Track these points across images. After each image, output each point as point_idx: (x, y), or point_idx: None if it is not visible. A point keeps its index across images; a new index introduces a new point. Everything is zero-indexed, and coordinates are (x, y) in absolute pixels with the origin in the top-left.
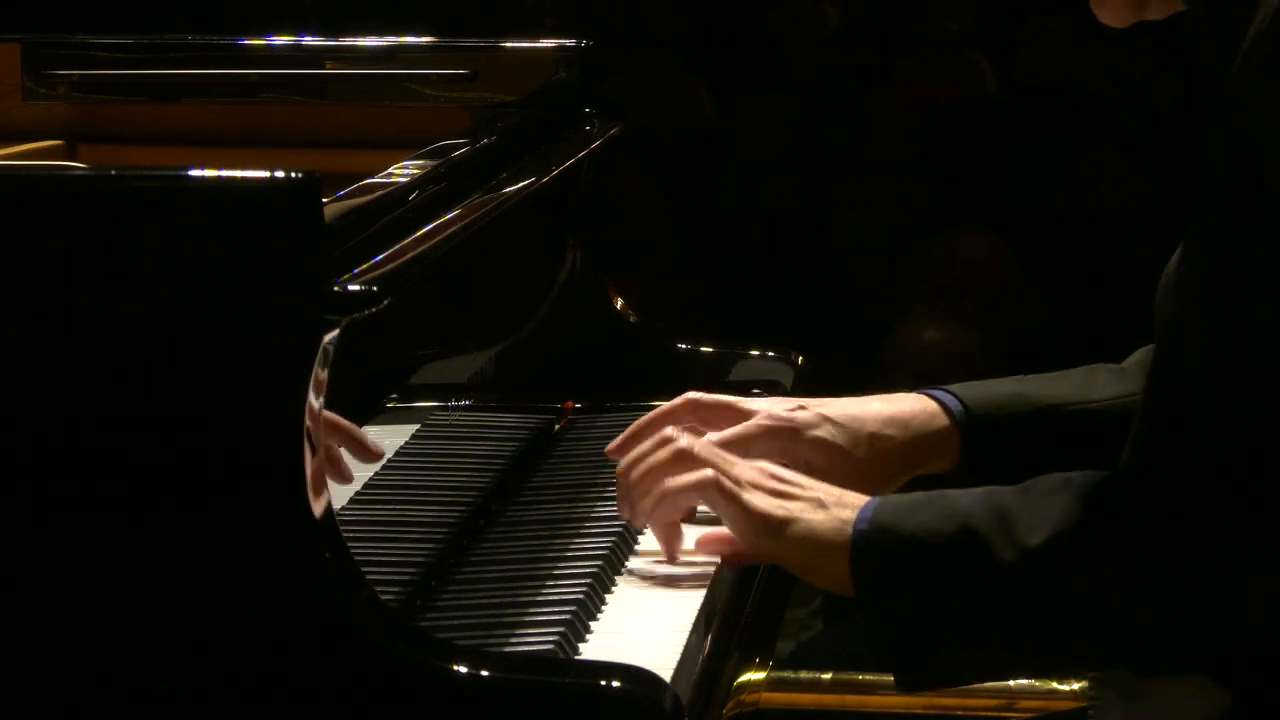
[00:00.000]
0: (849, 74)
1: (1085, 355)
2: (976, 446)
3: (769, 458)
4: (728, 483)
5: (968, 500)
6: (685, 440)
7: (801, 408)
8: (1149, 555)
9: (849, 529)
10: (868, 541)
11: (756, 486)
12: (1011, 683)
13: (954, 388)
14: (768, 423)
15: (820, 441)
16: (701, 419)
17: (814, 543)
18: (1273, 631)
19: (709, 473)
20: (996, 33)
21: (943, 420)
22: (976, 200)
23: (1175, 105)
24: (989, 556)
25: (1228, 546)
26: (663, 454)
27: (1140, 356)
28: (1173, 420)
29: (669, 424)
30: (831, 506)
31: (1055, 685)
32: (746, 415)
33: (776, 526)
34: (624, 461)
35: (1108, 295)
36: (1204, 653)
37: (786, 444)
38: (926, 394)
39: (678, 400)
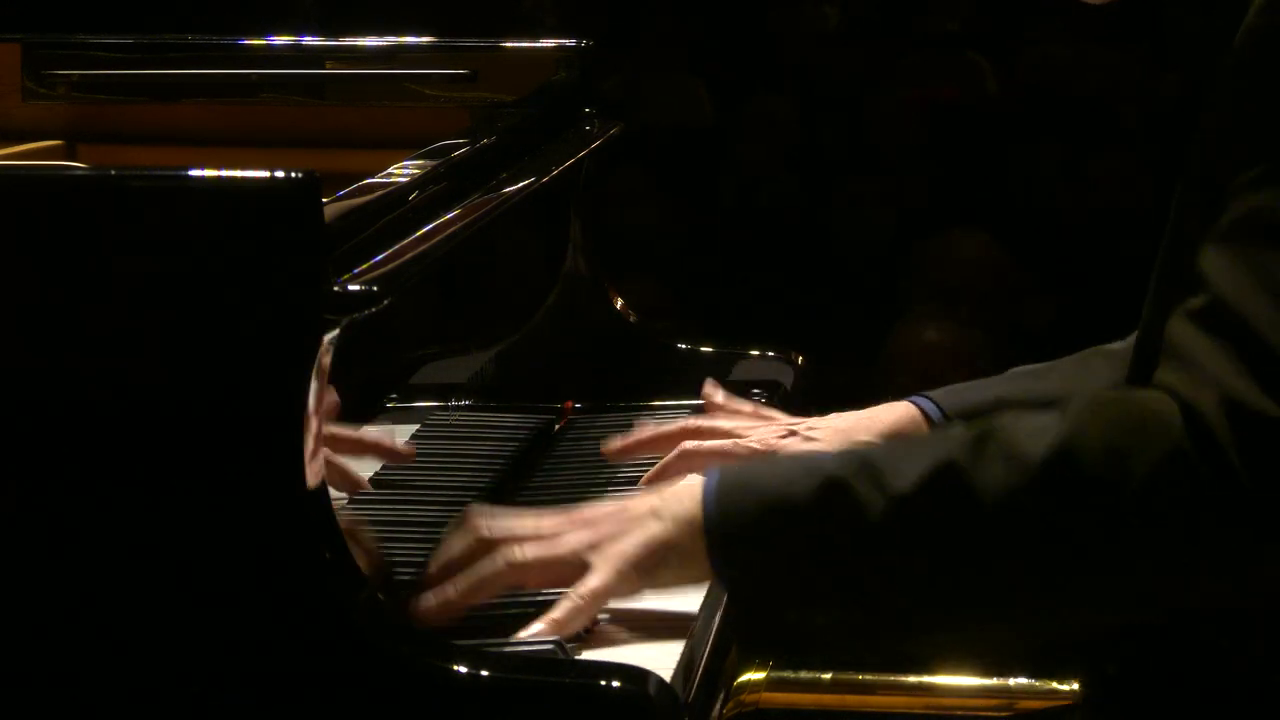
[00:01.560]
0: (849, 74)
1: None
2: None
3: None
4: (583, 591)
5: (826, 455)
6: (516, 553)
7: (792, 433)
8: (1036, 504)
9: (696, 513)
10: (720, 508)
11: (590, 550)
12: (1011, 682)
13: (938, 394)
14: (752, 453)
15: None
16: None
17: (670, 553)
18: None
19: (568, 546)
20: (996, 33)
21: (925, 429)
22: (976, 200)
23: (1175, 105)
24: (855, 505)
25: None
26: (492, 571)
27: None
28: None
29: (670, 475)
30: (665, 505)
31: (1055, 685)
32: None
33: (630, 578)
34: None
35: (1108, 295)
36: (1086, 624)
37: None
38: (912, 401)
39: (674, 429)
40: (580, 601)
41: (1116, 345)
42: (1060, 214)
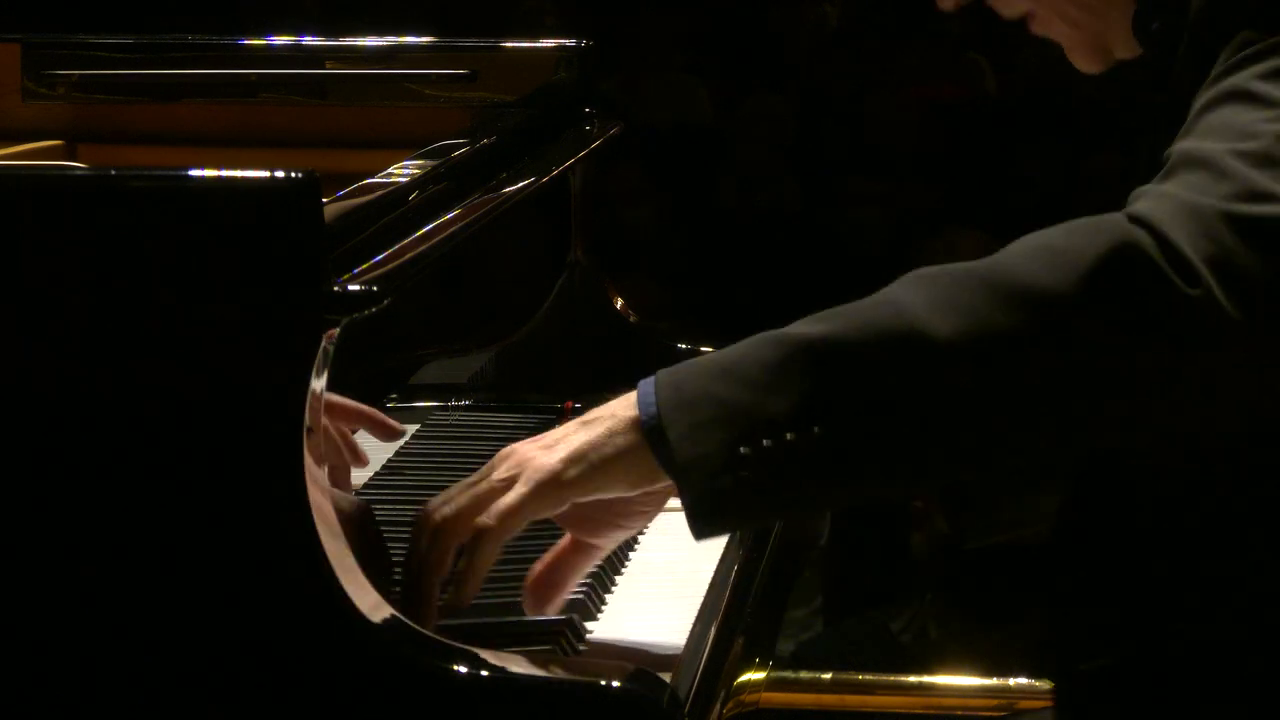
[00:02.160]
0: (849, 74)
1: None
2: None
3: None
4: (488, 514)
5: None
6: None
7: None
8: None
9: (632, 412)
10: (660, 382)
11: (516, 469)
12: (1011, 682)
13: None
14: None
15: None
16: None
17: (595, 452)
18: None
19: (516, 489)
20: (996, 33)
21: None
22: (976, 200)
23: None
24: (799, 333)
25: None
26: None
27: None
28: None
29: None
30: (595, 414)
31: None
32: None
33: (559, 472)
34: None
35: None
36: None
37: None
38: None
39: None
40: (485, 522)
41: None
42: (1060, 214)
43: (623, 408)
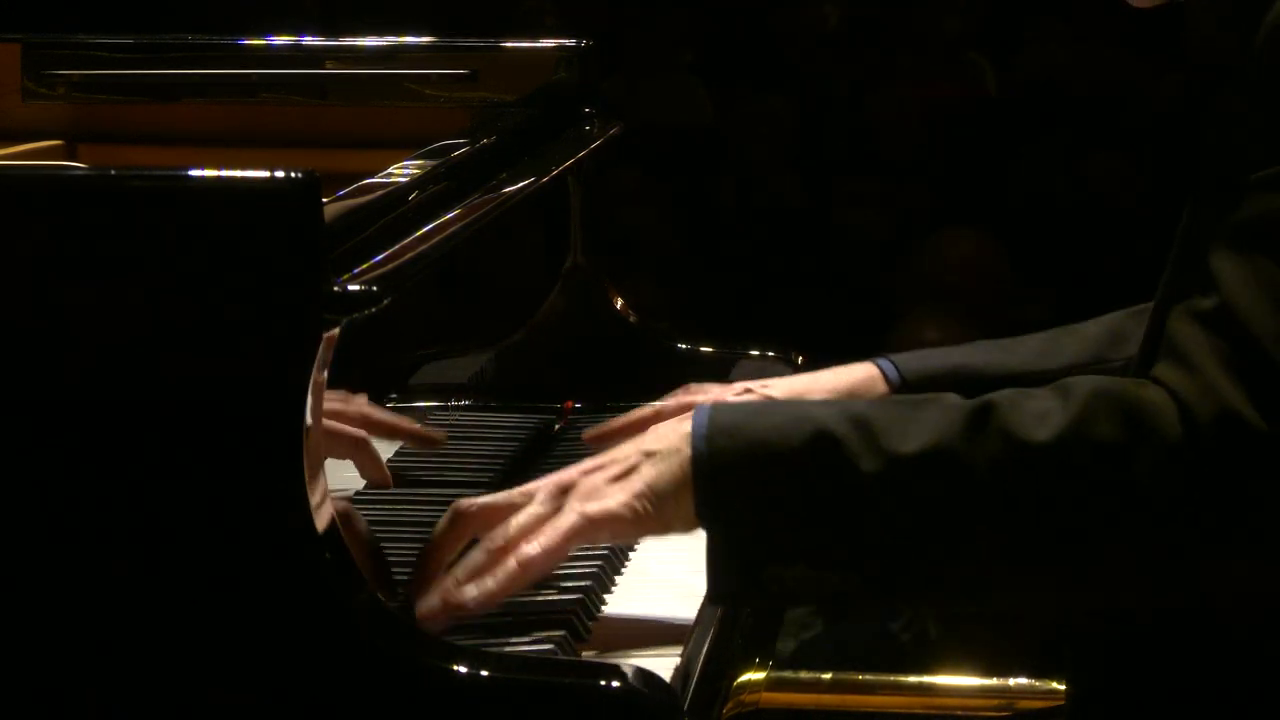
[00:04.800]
0: (849, 74)
1: None
2: None
3: None
4: (591, 508)
5: (821, 407)
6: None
7: (748, 390)
8: (1033, 487)
9: (688, 451)
10: (710, 447)
11: (589, 495)
12: (1011, 682)
13: (900, 356)
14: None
15: None
16: None
17: (668, 490)
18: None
19: (569, 519)
20: (996, 33)
21: (883, 389)
22: (976, 200)
23: (1175, 105)
24: (849, 462)
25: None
26: (507, 576)
27: (1110, 320)
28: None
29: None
30: (657, 446)
31: (1055, 685)
32: None
33: (635, 509)
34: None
35: (1108, 295)
36: (1060, 607)
37: None
38: (873, 362)
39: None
40: (585, 515)
41: (1086, 325)
42: (1060, 214)
43: (681, 462)
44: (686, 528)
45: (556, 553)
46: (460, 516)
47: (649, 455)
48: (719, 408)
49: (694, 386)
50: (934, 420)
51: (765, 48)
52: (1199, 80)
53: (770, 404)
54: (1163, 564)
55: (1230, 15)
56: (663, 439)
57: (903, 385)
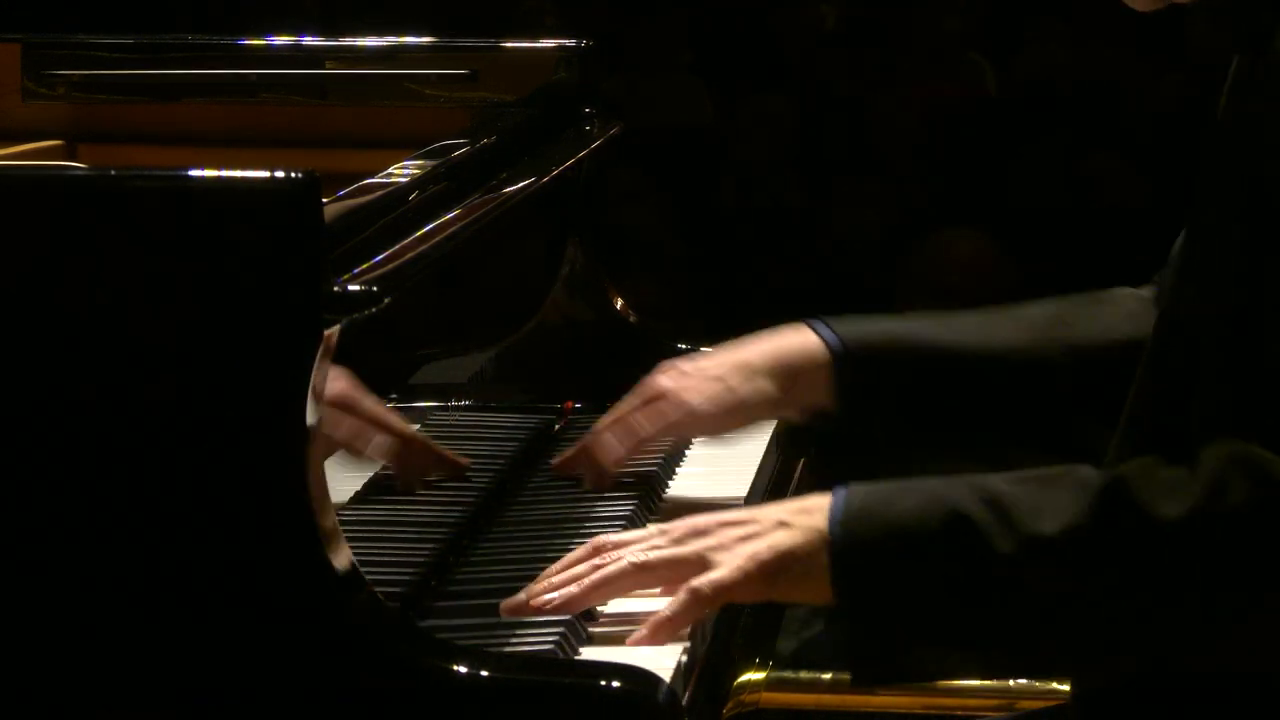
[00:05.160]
0: (849, 74)
1: None
2: (851, 388)
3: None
4: (703, 584)
5: (951, 486)
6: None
7: (684, 375)
8: (1172, 563)
9: (824, 528)
10: (846, 532)
11: (718, 550)
12: (1011, 682)
13: (835, 322)
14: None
15: (696, 402)
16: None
17: (796, 563)
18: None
19: (683, 595)
20: (996, 33)
21: (824, 361)
22: (976, 200)
23: (1175, 105)
24: (985, 544)
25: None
26: (617, 569)
27: (1054, 304)
28: (1177, 422)
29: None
30: (794, 519)
31: (1055, 685)
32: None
33: (755, 578)
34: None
35: None
36: (1196, 671)
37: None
38: (809, 325)
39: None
40: (703, 589)
41: (1026, 306)
42: (1060, 214)
43: (817, 540)
44: (808, 602)
45: (671, 566)
46: (597, 549)
47: (785, 526)
48: (855, 491)
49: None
50: (1066, 500)
51: (765, 48)
52: (1199, 80)
53: (907, 485)
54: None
55: (1230, 18)
56: (803, 513)
57: (843, 352)
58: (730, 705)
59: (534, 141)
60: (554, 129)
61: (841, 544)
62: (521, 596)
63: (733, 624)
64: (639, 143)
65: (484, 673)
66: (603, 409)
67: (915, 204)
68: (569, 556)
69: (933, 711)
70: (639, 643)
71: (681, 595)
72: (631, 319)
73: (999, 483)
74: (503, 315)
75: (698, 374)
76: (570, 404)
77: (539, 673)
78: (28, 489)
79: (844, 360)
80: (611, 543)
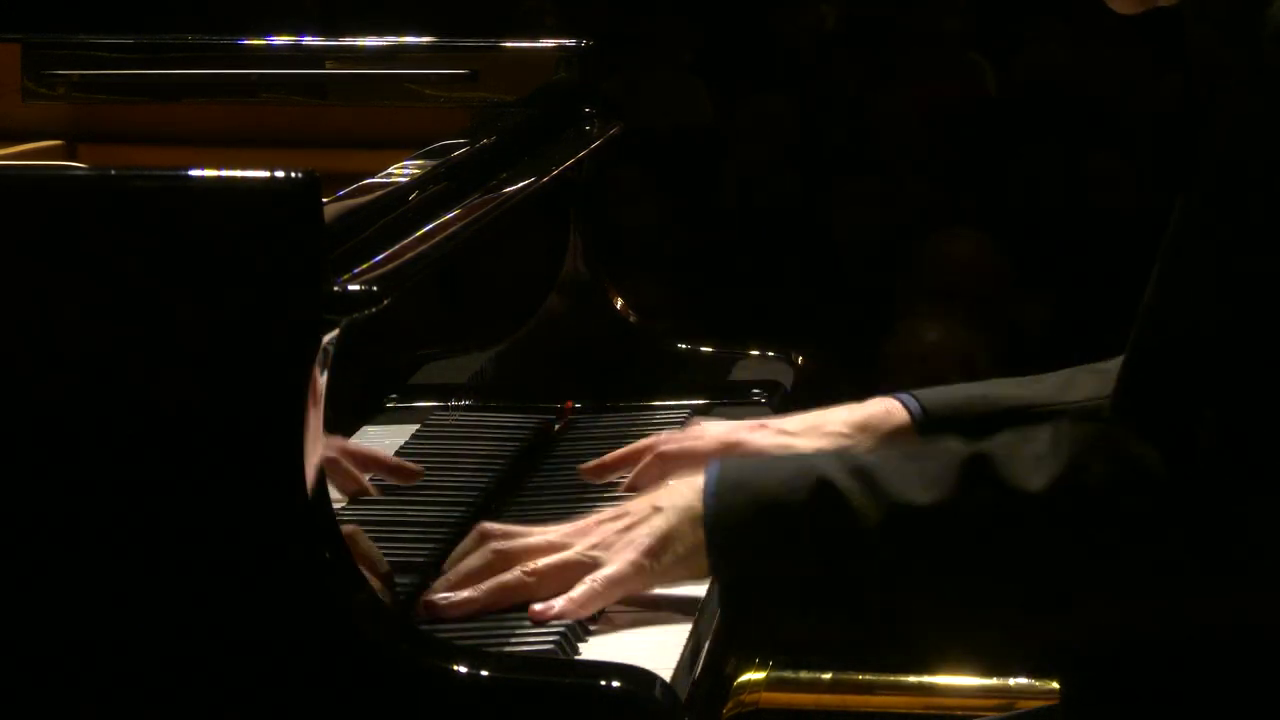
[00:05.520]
0: (849, 73)
1: (1085, 355)
2: None
3: None
4: (599, 577)
5: (822, 457)
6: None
7: (763, 426)
8: (1032, 533)
9: (697, 505)
10: (718, 504)
11: (600, 547)
12: (1011, 682)
13: (918, 391)
14: (720, 444)
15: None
16: (666, 474)
17: (676, 542)
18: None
19: (585, 585)
20: (996, 33)
21: (904, 421)
22: (976, 200)
23: (1175, 105)
24: (850, 512)
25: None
26: (510, 579)
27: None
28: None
29: (645, 479)
30: (665, 500)
31: (1055, 685)
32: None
33: (643, 566)
34: (454, 581)
35: (1107, 295)
36: (1072, 642)
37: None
38: (892, 396)
39: (645, 442)
40: (595, 585)
41: (1104, 364)
42: (1059, 214)
43: (692, 518)
44: (695, 580)
45: (561, 572)
46: (484, 534)
47: (659, 510)
48: (728, 463)
49: (700, 420)
50: (930, 468)
51: (765, 48)
52: (1199, 80)
53: (777, 458)
54: (1158, 602)
55: (1225, 19)
56: (675, 494)
57: (926, 419)
58: (730, 705)
59: (534, 141)
60: (554, 129)
61: (714, 516)
62: (432, 596)
63: (733, 625)
64: (639, 143)
65: (484, 673)
66: (603, 409)
67: (915, 204)
68: (460, 547)
69: (933, 711)
70: (537, 617)
71: (582, 587)
72: (631, 319)
73: (869, 455)
74: (503, 315)
75: (774, 425)
76: (570, 404)
77: (539, 673)
78: (26, 489)
79: (927, 421)
80: (498, 530)
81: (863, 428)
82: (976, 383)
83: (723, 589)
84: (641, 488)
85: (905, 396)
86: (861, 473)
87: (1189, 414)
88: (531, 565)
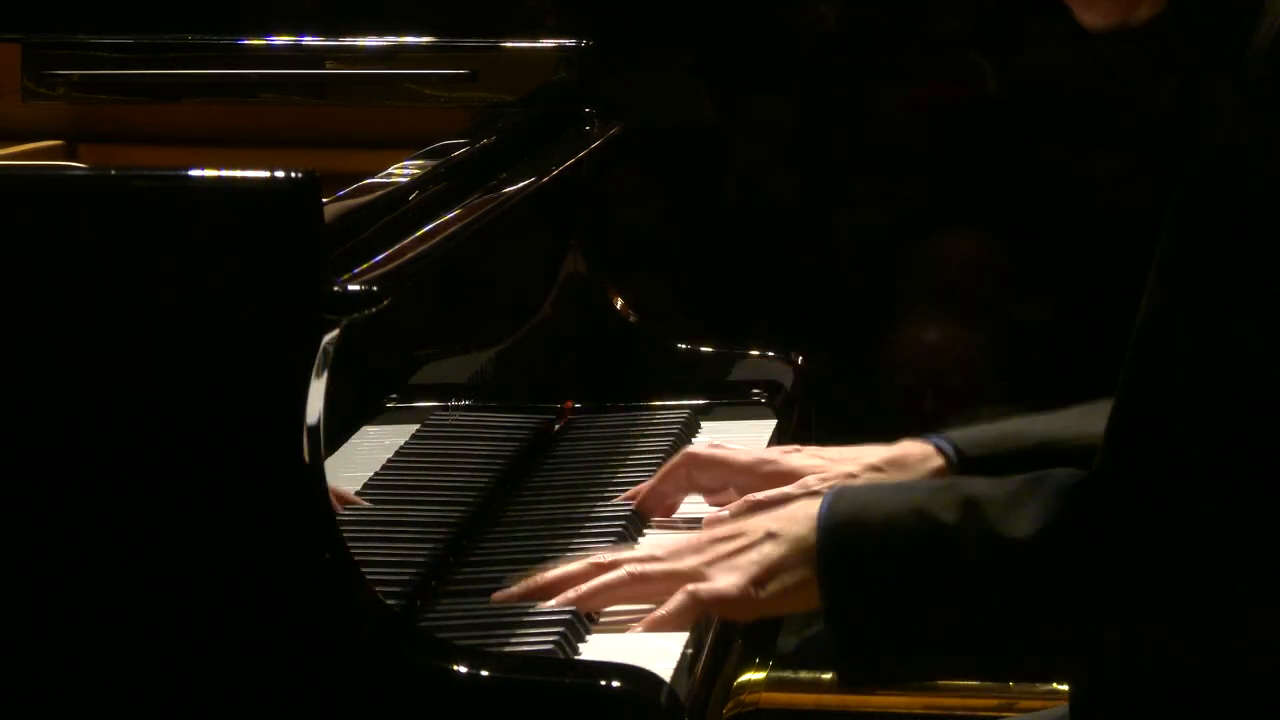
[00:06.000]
0: (849, 74)
1: (1085, 356)
2: None
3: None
4: (701, 589)
5: (932, 490)
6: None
7: (797, 451)
8: (1141, 566)
9: (810, 537)
10: (831, 540)
11: (712, 564)
12: (1011, 683)
13: (949, 433)
14: (755, 458)
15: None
16: (693, 479)
17: (785, 573)
18: (1245, 666)
19: (681, 596)
20: (996, 33)
21: (938, 463)
22: (976, 200)
23: (1175, 106)
24: (956, 548)
25: (1232, 573)
26: (615, 578)
27: None
28: (1154, 426)
29: (671, 484)
30: (783, 528)
31: (1055, 685)
32: (740, 470)
33: (748, 593)
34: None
35: (1107, 296)
36: (1170, 675)
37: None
38: (924, 439)
39: (677, 459)
40: (692, 599)
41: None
42: (1059, 214)
43: (805, 548)
44: (798, 610)
45: (667, 578)
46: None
47: (772, 537)
48: (841, 497)
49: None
50: (1039, 504)
51: (765, 48)
52: (1198, 81)
53: (889, 490)
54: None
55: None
56: (791, 522)
57: (961, 460)
58: (730, 705)
59: (534, 141)
60: (554, 129)
61: (827, 552)
62: (515, 589)
63: (733, 624)
64: (639, 143)
65: (484, 673)
66: (603, 409)
67: (915, 204)
68: (564, 569)
69: (933, 711)
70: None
71: (679, 596)
72: (631, 319)
73: (978, 485)
74: (503, 315)
75: (809, 452)
76: (570, 404)
77: (539, 673)
78: (26, 488)
79: (959, 459)
80: (609, 560)
81: (898, 464)
82: (1000, 422)
83: (832, 625)
84: (667, 492)
85: (938, 440)
86: (968, 505)
87: (1180, 465)
88: (639, 568)
